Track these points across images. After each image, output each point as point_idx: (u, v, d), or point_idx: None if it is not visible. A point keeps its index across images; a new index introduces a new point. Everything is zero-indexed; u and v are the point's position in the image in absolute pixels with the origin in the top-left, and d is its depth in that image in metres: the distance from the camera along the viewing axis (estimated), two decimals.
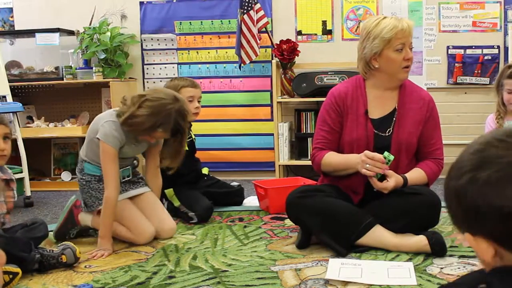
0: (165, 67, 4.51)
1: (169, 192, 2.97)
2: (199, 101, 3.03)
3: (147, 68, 4.54)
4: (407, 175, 2.31)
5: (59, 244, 2.28)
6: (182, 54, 4.48)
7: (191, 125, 3.09)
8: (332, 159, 2.37)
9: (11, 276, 1.99)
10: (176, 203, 2.94)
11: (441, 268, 2.03)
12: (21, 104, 3.70)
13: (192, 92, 2.96)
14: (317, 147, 2.44)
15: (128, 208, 2.54)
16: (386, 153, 2.21)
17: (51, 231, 2.65)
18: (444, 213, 2.79)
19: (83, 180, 2.57)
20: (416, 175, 2.34)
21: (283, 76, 4.16)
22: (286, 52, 4.05)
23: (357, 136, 2.35)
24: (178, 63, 4.49)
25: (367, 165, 2.18)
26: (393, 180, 2.23)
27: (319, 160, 2.39)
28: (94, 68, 4.21)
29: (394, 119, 2.38)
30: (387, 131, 2.37)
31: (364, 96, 2.40)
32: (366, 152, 2.21)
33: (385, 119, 2.39)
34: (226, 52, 4.41)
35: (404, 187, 2.27)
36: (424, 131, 2.39)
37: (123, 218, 2.49)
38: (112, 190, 2.39)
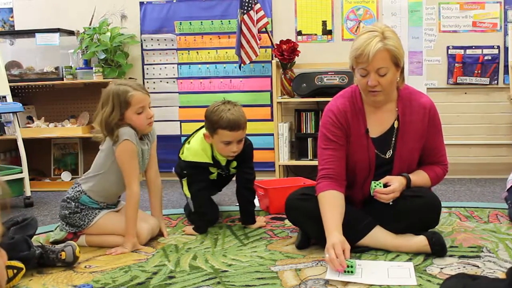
0: (165, 67, 4.51)
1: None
2: (240, 141, 2.64)
3: (147, 68, 4.54)
4: (410, 175, 2.26)
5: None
6: (182, 54, 4.48)
7: (232, 161, 2.79)
8: (322, 207, 2.16)
9: (15, 271, 2.01)
10: (187, 193, 2.88)
11: (441, 268, 2.03)
12: (21, 104, 3.70)
13: (229, 137, 2.60)
14: (322, 175, 2.23)
15: (118, 218, 2.53)
16: (373, 184, 2.20)
17: (51, 231, 2.66)
18: (444, 213, 2.80)
19: (74, 207, 2.52)
20: (419, 177, 2.29)
21: (283, 76, 4.16)
22: (286, 52, 4.05)
23: (359, 158, 2.26)
24: (178, 63, 4.49)
25: (327, 255, 1.98)
26: (395, 182, 2.21)
27: (318, 192, 2.22)
28: (94, 68, 4.21)
29: (394, 139, 2.26)
30: (387, 153, 2.27)
31: (363, 113, 2.27)
32: (338, 246, 1.97)
33: (385, 137, 2.28)
34: (226, 52, 4.41)
35: (408, 187, 2.23)
36: (427, 141, 2.30)
37: (117, 228, 2.49)
38: (136, 185, 2.47)
